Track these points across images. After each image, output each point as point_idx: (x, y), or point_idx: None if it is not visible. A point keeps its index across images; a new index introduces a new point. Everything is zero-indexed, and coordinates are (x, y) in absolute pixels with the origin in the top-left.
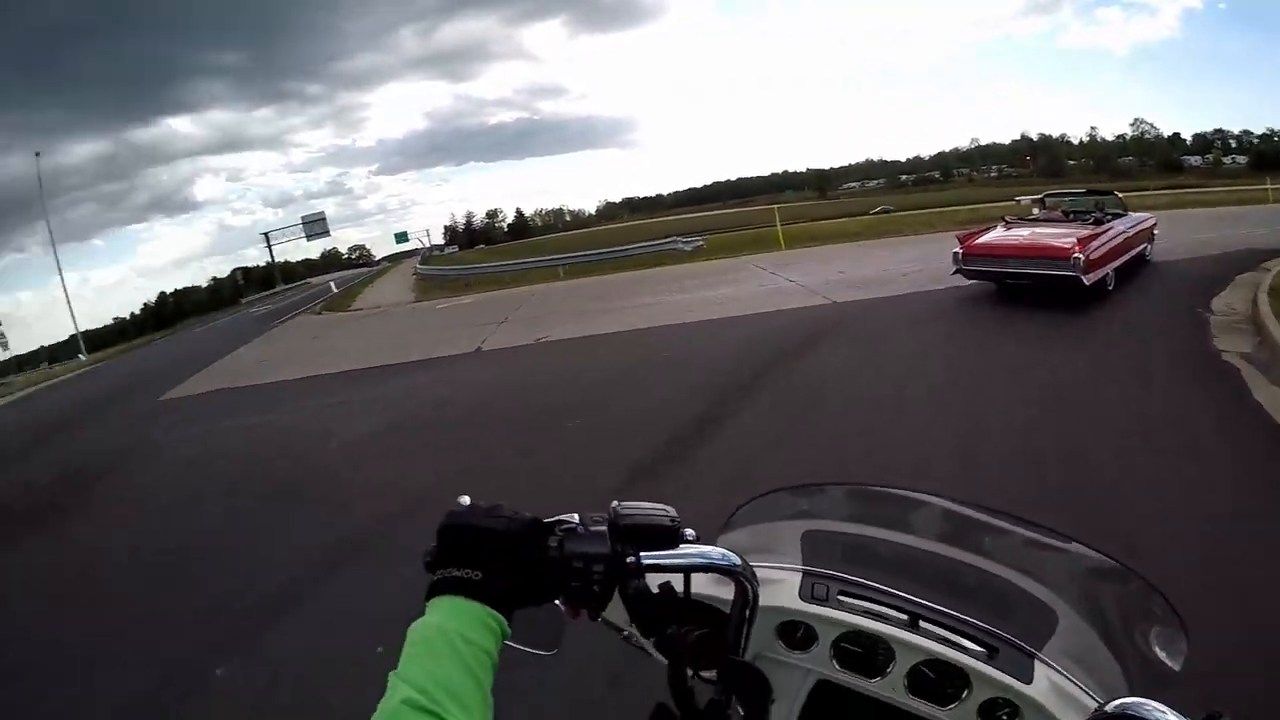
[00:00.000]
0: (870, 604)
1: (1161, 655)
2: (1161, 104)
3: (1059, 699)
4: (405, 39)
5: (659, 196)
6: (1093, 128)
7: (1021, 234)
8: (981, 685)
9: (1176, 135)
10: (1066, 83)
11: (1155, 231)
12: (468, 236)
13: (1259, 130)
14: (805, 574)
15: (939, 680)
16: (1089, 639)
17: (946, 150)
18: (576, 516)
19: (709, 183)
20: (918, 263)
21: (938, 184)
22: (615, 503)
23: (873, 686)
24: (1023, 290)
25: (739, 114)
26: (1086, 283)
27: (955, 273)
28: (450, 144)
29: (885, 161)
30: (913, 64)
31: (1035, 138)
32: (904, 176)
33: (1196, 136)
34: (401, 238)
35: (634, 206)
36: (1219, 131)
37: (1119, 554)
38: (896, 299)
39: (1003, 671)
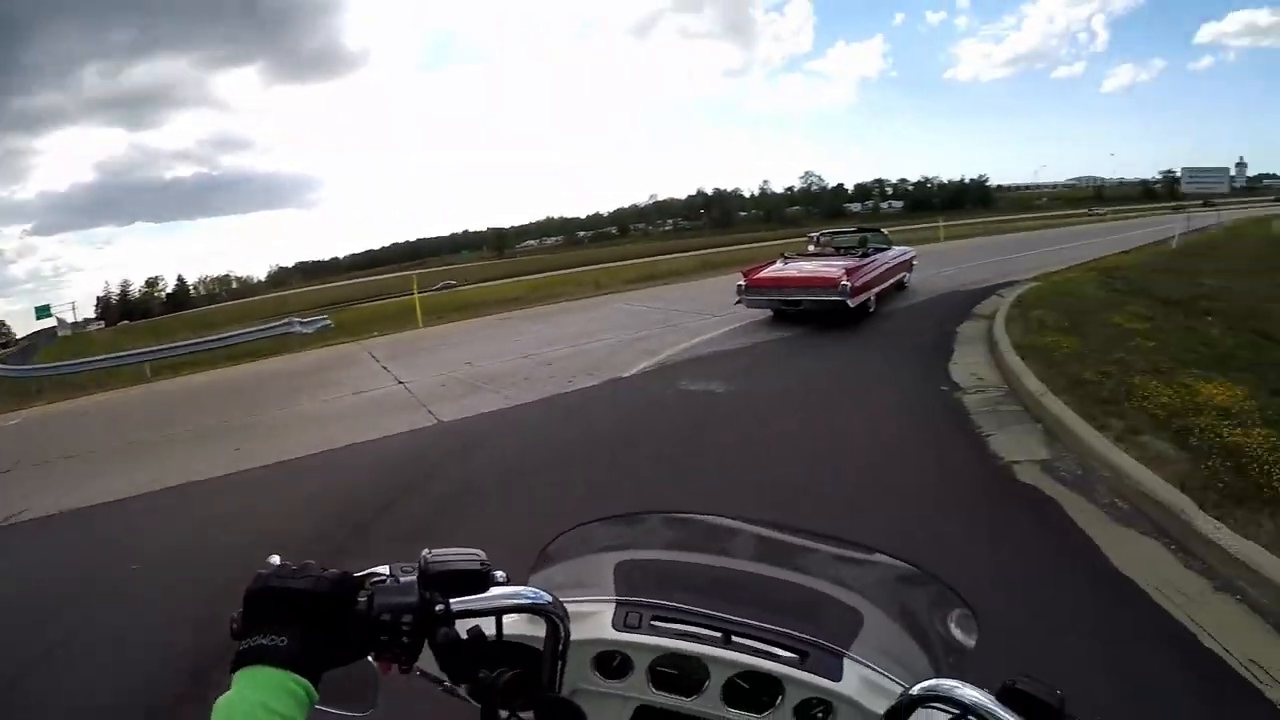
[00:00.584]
0: (683, 626)
1: (958, 638)
2: (831, 158)
3: (868, 690)
4: (89, 76)
5: (334, 260)
6: (765, 181)
7: (797, 267)
8: (794, 688)
9: (840, 186)
10: (750, 141)
11: (914, 263)
12: (121, 309)
13: (914, 178)
14: (618, 604)
15: (754, 690)
16: (893, 633)
17: (626, 206)
18: (387, 568)
19: (387, 244)
20: (570, 343)
21: (613, 239)
22: (425, 551)
23: (691, 704)
24: (799, 313)
25: (425, 172)
26: (851, 305)
27: (738, 303)
28: (118, 200)
29: (565, 219)
30: (604, 119)
31: (710, 192)
32: (582, 233)
33: (858, 186)
34: (43, 312)
35: (307, 271)
36: (878, 181)
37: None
38: (527, 409)
39: (812, 673)
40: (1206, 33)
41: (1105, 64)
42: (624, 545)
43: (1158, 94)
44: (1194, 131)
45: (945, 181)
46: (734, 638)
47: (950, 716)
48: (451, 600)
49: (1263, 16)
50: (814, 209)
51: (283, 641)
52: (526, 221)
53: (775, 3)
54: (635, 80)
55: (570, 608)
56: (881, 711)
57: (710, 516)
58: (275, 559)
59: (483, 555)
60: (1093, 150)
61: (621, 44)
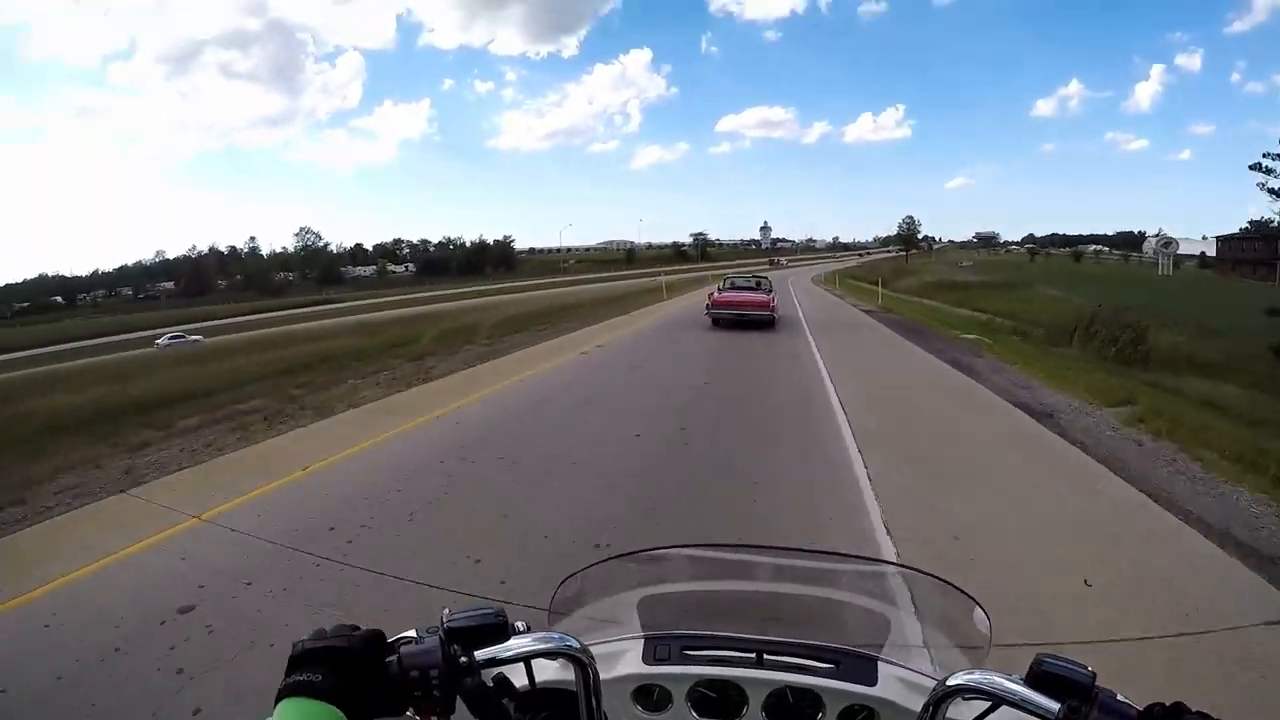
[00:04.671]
0: (714, 651)
1: (974, 633)
2: (358, 218)
3: (903, 689)
4: None
5: None
6: (252, 238)
7: (737, 295)
8: (832, 698)
9: (359, 245)
10: (283, 195)
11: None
12: None
13: (436, 239)
14: (646, 639)
15: (796, 705)
16: (917, 633)
17: (131, 263)
18: (414, 631)
19: None
20: None
21: (57, 310)
22: (445, 610)
23: None
24: (742, 322)
25: None
26: (774, 318)
27: (706, 313)
28: None
29: (64, 276)
30: (126, 158)
31: (225, 250)
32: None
33: (378, 245)
34: None
35: None
36: (397, 240)
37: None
38: None
39: (847, 680)
40: (726, 123)
41: (637, 143)
42: (642, 583)
43: (682, 170)
44: (717, 201)
45: (469, 243)
46: (766, 656)
47: (984, 705)
48: (476, 652)
49: (776, 114)
50: (310, 273)
51: (318, 677)
52: (18, 279)
53: (328, 53)
54: (166, 117)
55: (600, 648)
56: (918, 709)
57: (718, 549)
58: (323, 629)
59: (500, 609)
60: (623, 217)
61: (152, 73)
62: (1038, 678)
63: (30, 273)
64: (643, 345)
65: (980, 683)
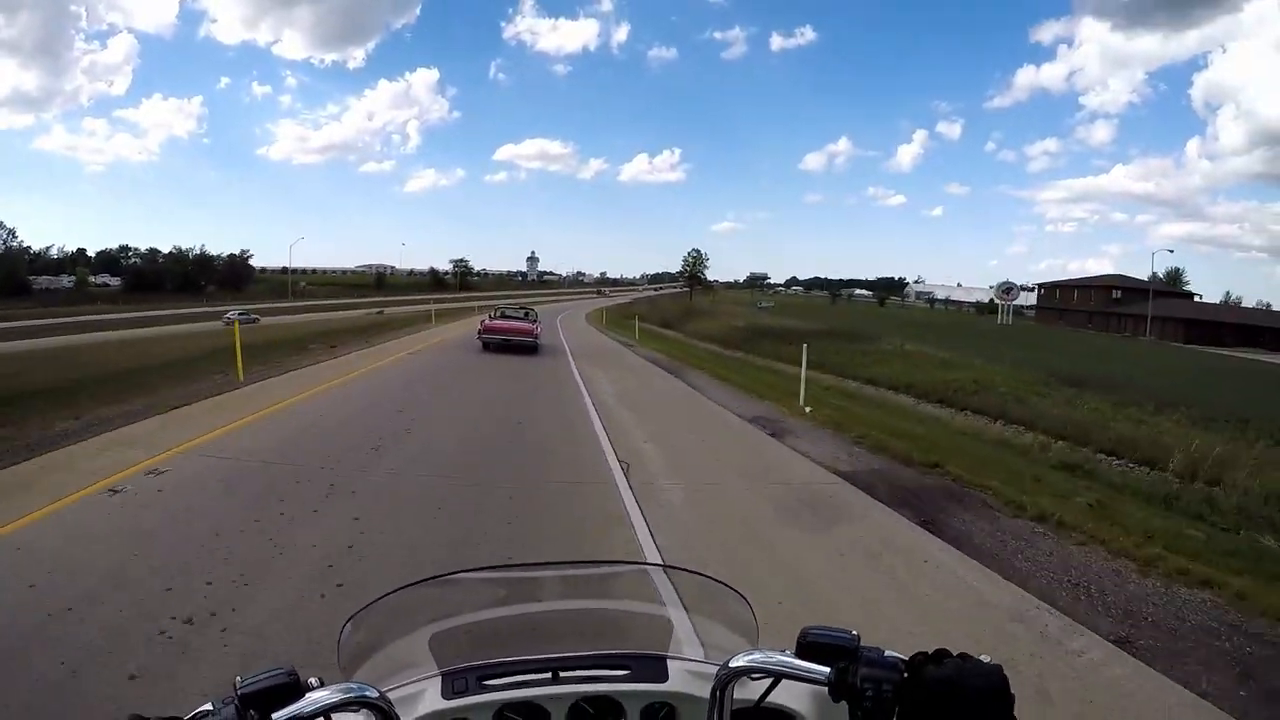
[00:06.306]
0: (510, 677)
1: (743, 621)
2: (116, 221)
3: (692, 679)
4: None
5: None
6: None
7: (504, 323)
8: (630, 700)
9: (81, 251)
10: (40, 193)
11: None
12: None
13: (166, 248)
14: (443, 675)
15: (599, 714)
16: (695, 627)
17: None
18: (210, 704)
19: None
20: None
21: None
22: (237, 678)
23: None
24: (509, 346)
25: None
26: (537, 343)
27: (479, 339)
28: None
29: None
30: None
31: None
32: None
33: (102, 252)
34: None
35: None
36: (123, 247)
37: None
38: None
39: (640, 682)
40: (505, 152)
41: (413, 165)
42: (429, 619)
43: (456, 197)
44: (487, 230)
45: (208, 255)
46: (561, 673)
47: (768, 682)
48: (274, 715)
49: (555, 147)
50: None
51: None
52: None
53: (99, 31)
54: None
55: (399, 691)
56: (707, 694)
57: (496, 570)
58: None
59: (291, 667)
60: (391, 241)
61: None
62: (806, 648)
63: None
64: None
65: (757, 661)
